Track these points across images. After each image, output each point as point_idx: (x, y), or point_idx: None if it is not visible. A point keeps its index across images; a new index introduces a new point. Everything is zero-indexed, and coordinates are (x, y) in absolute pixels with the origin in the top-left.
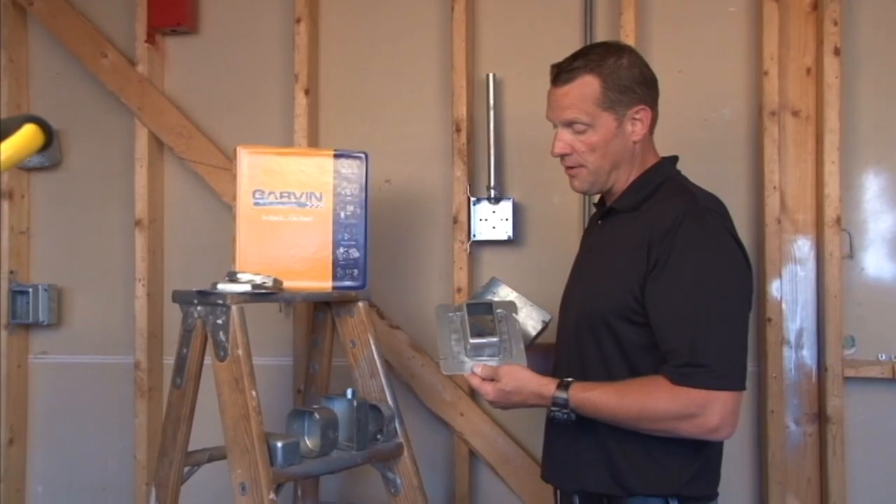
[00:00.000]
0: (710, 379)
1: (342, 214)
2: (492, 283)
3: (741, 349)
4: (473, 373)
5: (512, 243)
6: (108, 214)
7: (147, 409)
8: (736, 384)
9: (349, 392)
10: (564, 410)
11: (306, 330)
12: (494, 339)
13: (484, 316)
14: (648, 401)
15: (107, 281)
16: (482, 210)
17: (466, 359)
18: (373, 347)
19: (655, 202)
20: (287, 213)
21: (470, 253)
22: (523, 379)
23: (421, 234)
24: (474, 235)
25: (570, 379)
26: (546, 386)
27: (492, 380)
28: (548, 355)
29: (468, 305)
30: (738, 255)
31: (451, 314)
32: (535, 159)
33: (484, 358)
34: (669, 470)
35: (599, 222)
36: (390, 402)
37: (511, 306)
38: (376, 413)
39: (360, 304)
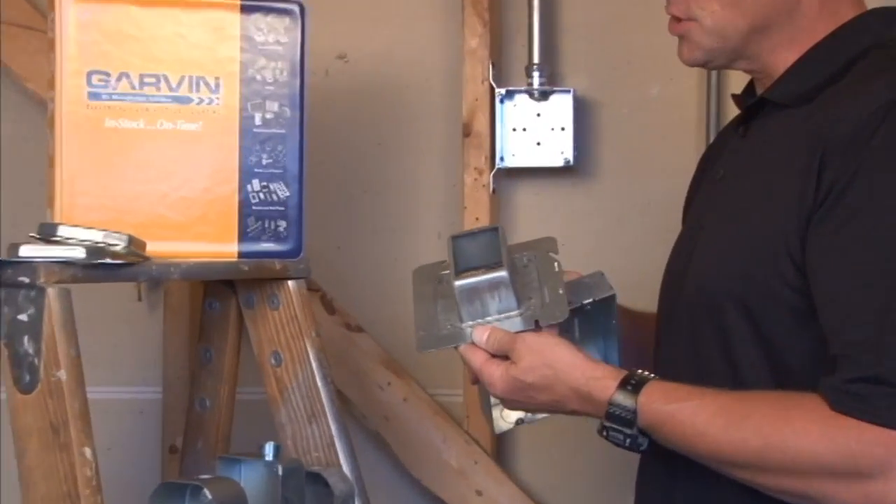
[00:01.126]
0: None
1: (257, 119)
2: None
3: None
4: (472, 344)
5: (572, 173)
6: None
7: None
8: None
9: (269, 449)
10: (628, 431)
11: (187, 334)
12: (501, 274)
13: (486, 247)
14: (784, 435)
15: None
16: (518, 112)
17: (460, 323)
18: (313, 366)
19: (844, 88)
20: (153, 114)
21: (494, 191)
22: (560, 361)
23: (403, 157)
24: (502, 159)
25: (644, 372)
26: (599, 380)
27: (505, 358)
28: (641, 354)
29: (455, 238)
30: None
31: (441, 273)
32: (614, 18)
33: (491, 319)
34: None
35: (740, 130)
36: (346, 467)
37: (548, 244)
38: (320, 489)
39: (292, 285)
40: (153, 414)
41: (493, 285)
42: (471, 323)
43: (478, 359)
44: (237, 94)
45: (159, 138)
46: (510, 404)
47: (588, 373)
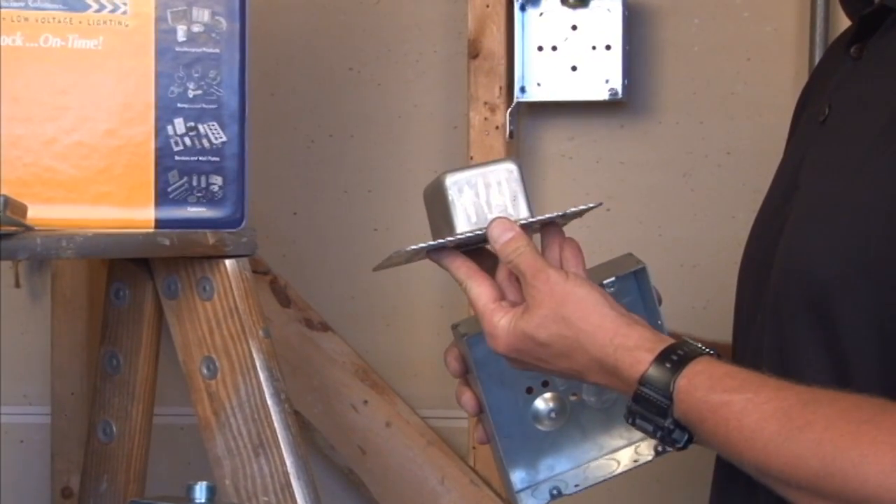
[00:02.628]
0: None
1: (180, 34)
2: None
3: None
4: (459, 253)
5: (622, 110)
6: None
7: None
8: None
9: (199, 491)
10: (661, 422)
11: (85, 334)
12: (509, 164)
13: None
14: (849, 458)
15: None
16: (545, 24)
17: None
18: (261, 378)
19: None
20: (34, 27)
21: (512, 135)
22: (584, 319)
23: (385, 88)
24: (523, 90)
25: (695, 342)
26: (630, 351)
27: (513, 305)
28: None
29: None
30: None
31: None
32: None
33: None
34: None
35: (853, 51)
36: None
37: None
38: None
39: (230, 266)
40: (38, 444)
41: (497, 179)
42: (467, 230)
43: (483, 298)
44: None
45: (44, 60)
46: (511, 363)
47: (618, 339)
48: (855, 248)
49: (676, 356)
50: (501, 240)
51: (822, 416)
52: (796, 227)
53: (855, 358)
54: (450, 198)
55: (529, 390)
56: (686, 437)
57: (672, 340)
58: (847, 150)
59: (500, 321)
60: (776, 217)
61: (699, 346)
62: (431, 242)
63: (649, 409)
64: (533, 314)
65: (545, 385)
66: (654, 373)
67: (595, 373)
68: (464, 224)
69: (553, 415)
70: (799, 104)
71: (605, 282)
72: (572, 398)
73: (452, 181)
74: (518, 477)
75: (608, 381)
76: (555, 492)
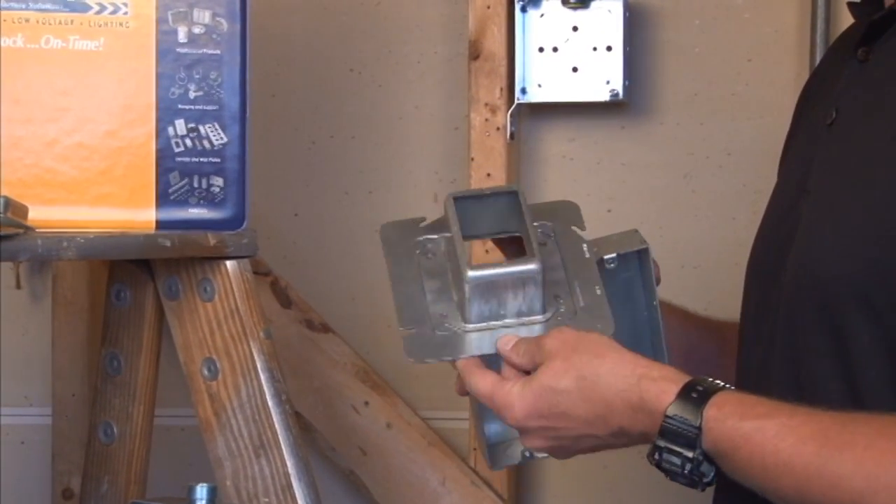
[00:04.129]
0: None
1: (181, 35)
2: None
3: None
4: (476, 357)
5: (623, 111)
6: None
7: None
8: None
9: (200, 492)
10: (689, 454)
11: (86, 335)
12: (531, 268)
13: (499, 218)
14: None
15: None
16: (547, 25)
17: (465, 324)
18: (262, 379)
19: None
20: (36, 28)
21: (513, 136)
22: (603, 357)
23: (386, 89)
24: (524, 91)
25: (714, 380)
26: (655, 381)
27: (526, 372)
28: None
29: (457, 199)
30: None
31: (420, 238)
32: None
33: (512, 323)
34: None
35: (860, 54)
36: None
37: (568, 213)
38: None
39: (231, 268)
40: (39, 445)
41: (520, 281)
42: (480, 326)
43: (487, 383)
44: (154, 3)
45: (45, 62)
46: (530, 437)
47: (640, 370)
48: (867, 256)
49: (701, 387)
50: (507, 349)
51: (862, 435)
52: (808, 233)
53: (866, 381)
54: (467, 294)
55: None
56: (713, 471)
57: (690, 376)
58: (857, 155)
59: (512, 388)
60: (785, 221)
61: (717, 382)
62: (462, 357)
63: (677, 440)
64: (547, 367)
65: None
66: (681, 404)
67: (618, 413)
68: (476, 312)
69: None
70: (800, 102)
71: (606, 257)
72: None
73: (476, 279)
74: (492, 430)
75: (632, 421)
76: (527, 454)
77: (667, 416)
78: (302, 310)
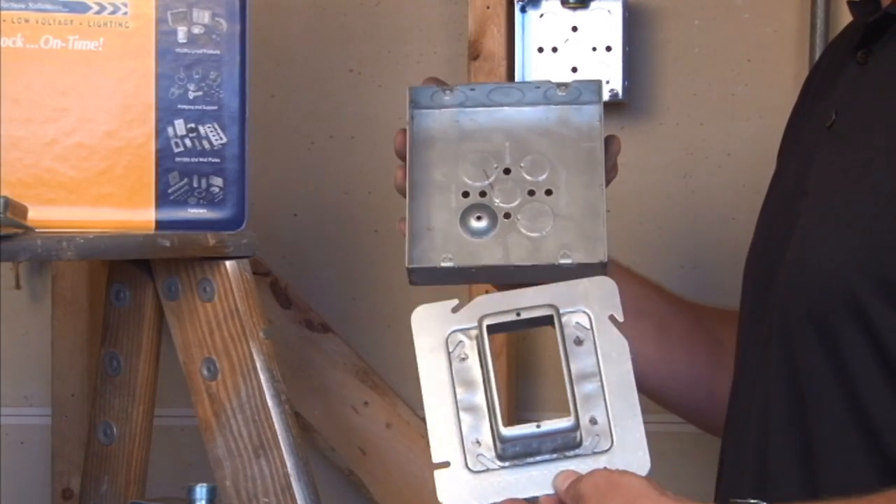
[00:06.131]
0: None
1: (180, 35)
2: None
3: None
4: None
5: (622, 111)
6: None
7: None
8: None
9: (200, 493)
10: None
11: (86, 336)
12: (568, 425)
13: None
14: None
15: None
16: (546, 25)
17: (500, 461)
18: (261, 379)
19: None
20: (35, 28)
21: None
22: (641, 496)
23: (386, 89)
24: None
25: (750, 500)
26: None
27: None
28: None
29: (489, 327)
30: None
31: (452, 330)
32: None
33: (545, 459)
34: None
35: (859, 56)
36: None
37: (607, 294)
38: None
39: (231, 268)
40: (38, 445)
41: (557, 434)
42: (516, 462)
43: None
44: (154, 2)
45: (44, 62)
46: None
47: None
48: (864, 260)
49: None
50: (562, 488)
51: None
52: (805, 235)
53: (862, 388)
54: (499, 448)
55: (466, 194)
56: None
57: None
58: (856, 159)
59: None
60: (782, 222)
61: (752, 501)
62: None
63: None
64: None
65: (483, 196)
66: None
67: None
68: (512, 456)
69: (482, 229)
70: (799, 101)
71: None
72: (504, 220)
73: (511, 437)
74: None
75: None
76: None
77: None
78: (302, 310)
